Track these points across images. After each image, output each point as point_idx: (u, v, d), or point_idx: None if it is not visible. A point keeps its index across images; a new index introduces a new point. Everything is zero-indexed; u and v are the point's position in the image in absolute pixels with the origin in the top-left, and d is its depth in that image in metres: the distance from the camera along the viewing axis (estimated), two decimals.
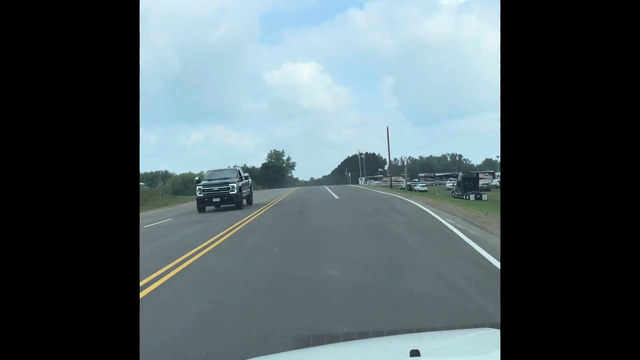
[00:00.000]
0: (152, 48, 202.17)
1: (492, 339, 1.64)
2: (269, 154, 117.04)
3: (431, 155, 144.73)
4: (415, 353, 1.41)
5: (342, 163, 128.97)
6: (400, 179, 74.22)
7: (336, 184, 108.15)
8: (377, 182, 76.91)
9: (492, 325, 2.12)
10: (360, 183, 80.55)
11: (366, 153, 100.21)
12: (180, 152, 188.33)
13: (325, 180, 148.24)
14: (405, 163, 76.84)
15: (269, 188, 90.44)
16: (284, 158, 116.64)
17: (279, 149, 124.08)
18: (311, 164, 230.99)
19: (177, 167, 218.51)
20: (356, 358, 1.80)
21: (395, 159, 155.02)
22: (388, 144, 52.12)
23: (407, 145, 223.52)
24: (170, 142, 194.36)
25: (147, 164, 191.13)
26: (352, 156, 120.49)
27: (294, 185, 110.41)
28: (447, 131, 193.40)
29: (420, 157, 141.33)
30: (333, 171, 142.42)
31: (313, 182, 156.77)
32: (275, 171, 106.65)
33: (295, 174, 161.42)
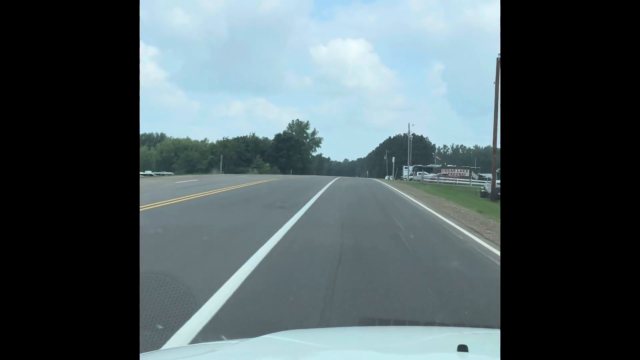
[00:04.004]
0: (202, 13, 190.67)
1: None
2: (289, 124, 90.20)
3: (489, 146, 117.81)
4: (463, 348, 1.42)
5: (381, 145, 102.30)
6: (467, 173, 48.51)
7: (370, 172, 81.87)
8: (431, 175, 50.45)
9: None
10: (404, 175, 54.41)
11: (413, 134, 73.97)
12: (220, 122, 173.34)
13: (359, 165, 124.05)
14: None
15: (276, 173, 65.28)
16: (308, 131, 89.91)
17: (303, 120, 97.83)
18: (348, 145, 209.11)
19: (216, 136, 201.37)
20: (401, 346, 1.81)
21: (445, 146, 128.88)
22: (497, 93, 25.04)
23: (450, 134, 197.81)
24: (211, 111, 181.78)
25: (188, 131, 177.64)
26: (394, 137, 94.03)
27: (319, 171, 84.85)
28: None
29: (476, 146, 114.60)
30: (369, 154, 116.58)
31: (346, 165, 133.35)
32: (291, 146, 79.12)
33: (327, 153, 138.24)
